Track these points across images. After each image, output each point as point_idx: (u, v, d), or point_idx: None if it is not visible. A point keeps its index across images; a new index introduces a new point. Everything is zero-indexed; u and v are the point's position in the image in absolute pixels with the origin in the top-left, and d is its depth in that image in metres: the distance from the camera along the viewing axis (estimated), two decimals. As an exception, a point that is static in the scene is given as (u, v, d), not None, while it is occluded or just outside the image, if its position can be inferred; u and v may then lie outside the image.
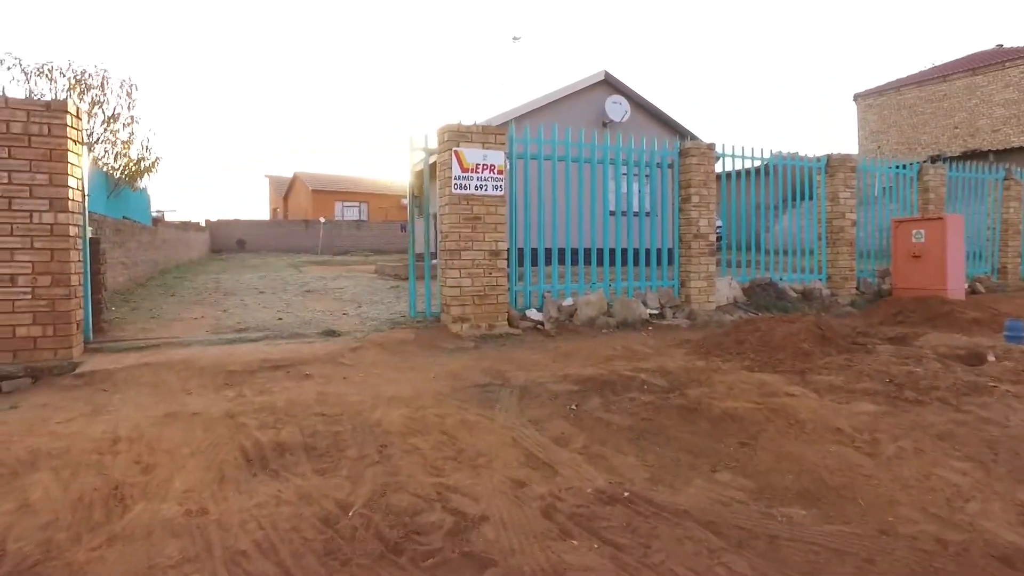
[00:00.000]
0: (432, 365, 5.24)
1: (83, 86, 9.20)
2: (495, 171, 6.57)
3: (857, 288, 9.75)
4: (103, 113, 9.50)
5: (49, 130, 5.13)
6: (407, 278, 14.70)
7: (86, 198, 5.70)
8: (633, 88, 17.40)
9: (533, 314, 7.04)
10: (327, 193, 39.85)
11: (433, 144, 6.88)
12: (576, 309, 7.15)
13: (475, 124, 6.54)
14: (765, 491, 2.96)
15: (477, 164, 6.49)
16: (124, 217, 11.28)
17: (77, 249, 5.35)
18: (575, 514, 2.72)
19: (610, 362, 5.29)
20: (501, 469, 3.18)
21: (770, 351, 5.03)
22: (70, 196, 5.20)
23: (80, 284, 5.44)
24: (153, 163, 10.15)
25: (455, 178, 6.41)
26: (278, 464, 3.25)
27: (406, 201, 29.08)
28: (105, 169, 9.95)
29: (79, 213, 5.42)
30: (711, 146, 8.21)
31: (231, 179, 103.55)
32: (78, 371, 4.90)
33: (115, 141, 9.78)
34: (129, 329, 6.46)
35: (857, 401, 4.06)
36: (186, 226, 22.59)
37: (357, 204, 40.79)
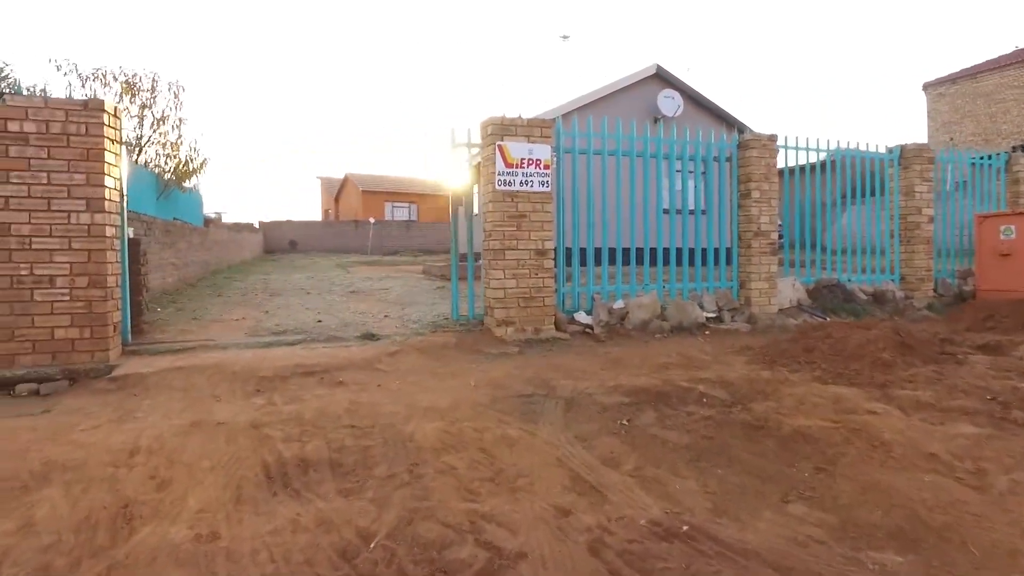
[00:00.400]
0: (473, 372, 4.93)
1: (134, 89, 9.29)
2: (541, 166, 6.23)
3: (935, 290, 9.00)
4: (152, 115, 9.59)
5: (87, 129, 5.04)
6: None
7: (124, 198, 5.61)
8: (686, 81, 16.78)
9: (582, 317, 6.66)
10: (377, 194, 40.22)
11: (476, 139, 6.59)
12: (628, 312, 6.73)
13: (519, 117, 6.21)
14: (849, 529, 2.53)
15: (522, 159, 6.16)
16: (175, 218, 11.41)
17: (114, 250, 5.26)
18: (626, 551, 2.36)
19: (665, 371, 4.87)
20: (543, 494, 2.84)
21: (844, 360, 4.53)
22: (106, 196, 5.10)
23: (117, 286, 5.35)
24: (201, 164, 10.21)
25: (499, 174, 6.10)
26: (300, 482, 2.99)
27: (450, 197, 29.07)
28: (155, 170, 10.05)
29: (116, 213, 5.33)
30: (772, 137, 7.66)
31: (285, 181, 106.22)
32: (113, 375, 4.79)
33: (164, 143, 9.86)
34: (169, 331, 6.38)
35: (953, 421, 3.55)
36: (239, 227, 23.01)
37: (407, 205, 41.05)
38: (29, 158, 4.95)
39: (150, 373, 4.76)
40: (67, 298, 5.02)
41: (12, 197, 4.92)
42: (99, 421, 3.85)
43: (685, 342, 6.22)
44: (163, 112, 9.58)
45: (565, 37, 45.68)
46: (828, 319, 7.14)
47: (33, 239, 4.96)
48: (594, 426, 3.72)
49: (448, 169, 6.67)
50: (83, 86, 9.06)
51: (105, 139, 5.11)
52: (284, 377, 4.68)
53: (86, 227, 5.05)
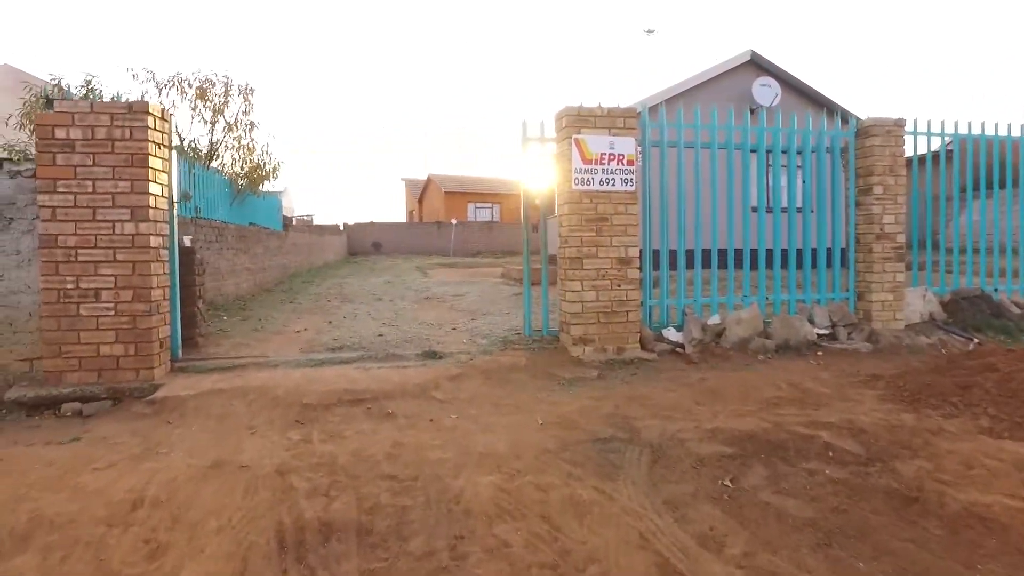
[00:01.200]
0: (541, 403, 4.24)
1: (207, 95, 9.20)
2: (624, 162, 5.45)
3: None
4: (224, 120, 9.49)
5: (131, 133, 4.72)
6: (535, 283, 13.88)
7: (174, 205, 5.29)
8: (783, 68, 15.39)
9: (671, 334, 5.83)
10: (459, 194, 40.23)
11: (550, 132, 5.88)
12: (724, 329, 5.84)
13: (599, 106, 5.46)
14: None
15: (602, 154, 5.41)
16: (251, 223, 11.37)
17: (160, 261, 4.92)
18: None
19: (774, 409, 3.99)
20: (621, 597, 2.12)
21: (1022, 404, 3.51)
22: (151, 204, 4.77)
23: (165, 299, 5.02)
24: (274, 169, 10.06)
25: (576, 171, 5.37)
26: (317, 556, 2.40)
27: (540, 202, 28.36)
28: (228, 175, 9.96)
29: (163, 222, 4.99)
30: (900, 122, 6.52)
31: (372, 183, 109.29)
32: (152, 396, 4.42)
33: (238, 147, 9.75)
34: (224, 344, 6.06)
35: None
36: (321, 230, 23.33)
37: (489, 205, 40.84)
38: (75, 166, 4.68)
39: (189, 396, 4.36)
40: (112, 313, 4.72)
41: (59, 207, 4.66)
42: (119, 456, 3.44)
43: (794, 367, 5.27)
44: (236, 116, 9.48)
45: (650, 31, 43.98)
46: (976, 340, 5.96)
47: (79, 251, 4.69)
48: (688, 487, 2.94)
49: (520, 166, 6.00)
50: (160, 93, 9.08)
51: (150, 143, 4.77)
52: (328, 405, 4.16)
53: (130, 237, 4.73)
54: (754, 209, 6.30)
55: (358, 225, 33.65)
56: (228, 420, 4.00)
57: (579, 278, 5.41)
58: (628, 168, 5.48)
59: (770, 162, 6.26)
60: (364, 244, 32.86)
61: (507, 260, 26.27)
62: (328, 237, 23.76)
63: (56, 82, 8.66)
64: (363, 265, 22.69)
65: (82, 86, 8.71)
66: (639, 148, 5.65)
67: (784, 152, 6.52)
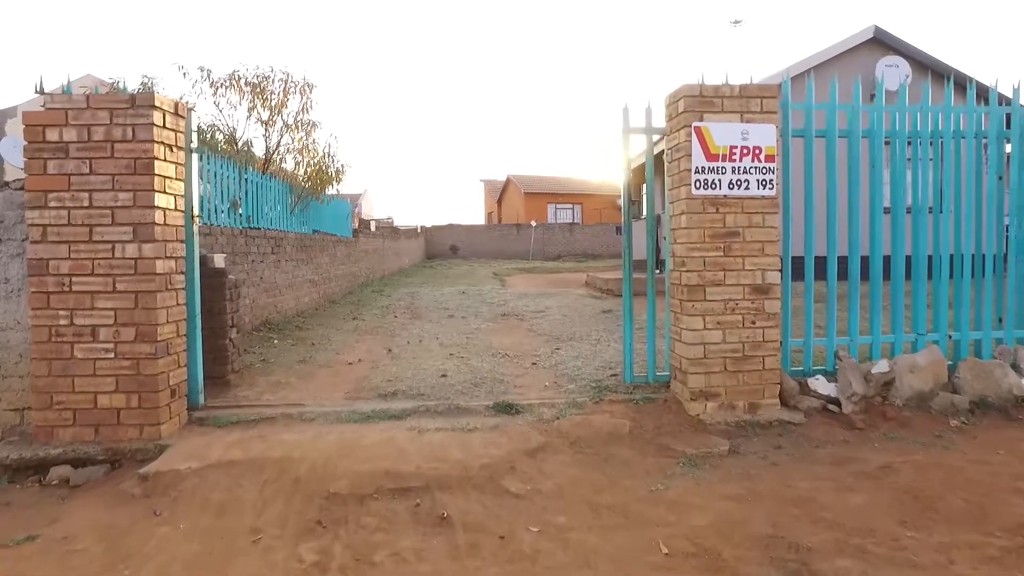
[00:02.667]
0: (658, 503, 2.96)
1: (264, 93, 8.39)
2: (762, 157, 4.08)
3: None
4: (282, 120, 8.65)
5: (133, 133, 3.77)
6: (621, 294, 12.26)
7: (196, 219, 4.34)
8: (914, 44, 13.31)
9: (819, 384, 4.39)
10: (539, 195, 39.06)
11: (658, 120, 4.56)
12: (893, 378, 4.35)
13: (726, 84, 4.10)
14: None
15: (732, 147, 4.05)
16: (315, 231, 10.58)
17: (172, 289, 3.97)
18: None
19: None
20: None
21: None
22: (158, 220, 3.81)
23: (180, 335, 4.07)
24: (338, 171, 9.17)
25: (696, 170, 4.04)
26: None
27: (621, 201, 26.64)
28: (288, 180, 9.15)
29: (175, 241, 4.04)
30: None
31: (450, 185, 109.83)
32: (147, 470, 3.44)
33: (301, 148, 8.91)
34: (260, 383, 5.09)
35: None
36: (396, 234, 22.68)
37: (570, 206, 39.46)
38: (69, 175, 3.77)
39: (190, 472, 3.34)
40: (111, 355, 3.79)
41: (51, 226, 3.77)
42: (64, 583, 2.43)
43: (1015, 441, 3.74)
44: (295, 117, 8.63)
45: (737, 22, 41.21)
46: None
47: (73, 279, 3.79)
48: None
49: (618, 161, 4.70)
50: (215, 94, 8.36)
51: (157, 144, 3.82)
52: (362, 498, 3.03)
53: (132, 262, 3.78)
54: (908, 209, 4.75)
55: (436, 228, 33.10)
56: (229, 514, 2.95)
57: (700, 312, 4.07)
58: (767, 166, 4.09)
59: (930, 155, 4.67)
60: (442, 247, 32.25)
61: (590, 265, 24.90)
62: (404, 241, 23.10)
63: (113, 85, 8.07)
64: (439, 271, 21.88)
65: (138, 89, 8.09)
66: (780, 139, 4.23)
67: (963, 136, 4.92)
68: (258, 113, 8.48)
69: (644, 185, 20.54)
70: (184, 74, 8.09)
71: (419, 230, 30.55)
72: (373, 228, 26.37)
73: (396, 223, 35.95)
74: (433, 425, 3.97)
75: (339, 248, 11.83)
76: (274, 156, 8.88)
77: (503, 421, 4.04)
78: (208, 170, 6.86)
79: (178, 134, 4.08)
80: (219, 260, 4.98)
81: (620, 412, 4.14)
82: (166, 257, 3.90)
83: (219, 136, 8.50)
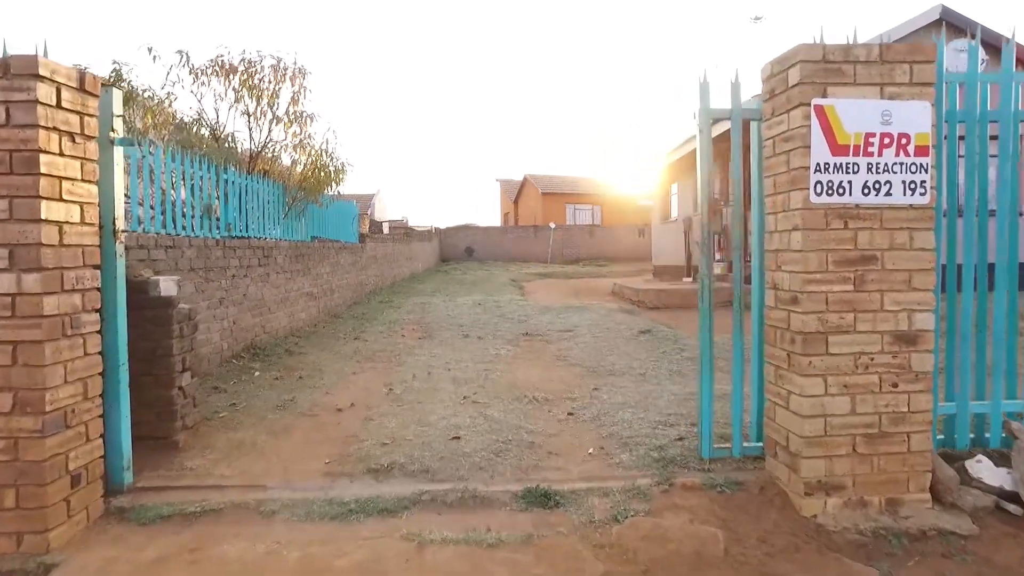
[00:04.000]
0: None
1: (252, 80, 7.23)
2: (910, 149, 2.85)
3: None
4: (271, 111, 7.48)
5: (7, 115, 2.64)
6: (656, 308, 10.91)
7: (118, 235, 3.18)
8: (984, 24, 11.93)
9: (983, 471, 3.14)
10: (558, 195, 37.75)
11: (750, 96, 3.33)
12: (1085, 459, 3.09)
13: (859, 43, 2.86)
14: None
15: (868, 135, 2.83)
16: (314, 238, 9.46)
17: (74, 336, 2.82)
18: None
19: None
20: None
21: None
22: (47, 239, 2.67)
23: (90, 398, 2.93)
24: (336, 171, 8.00)
25: (816, 168, 2.82)
26: None
27: (645, 202, 25.20)
28: (281, 180, 8.01)
29: (86, 267, 2.89)
30: None
31: (466, 184, 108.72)
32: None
33: (295, 145, 7.76)
34: (219, 443, 3.93)
35: None
36: (409, 236, 21.53)
37: (590, 207, 38.11)
38: (-74, 174, 2.65)
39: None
40: (-18, 432, 2.66)
41: (-98, 247, 2.65)
42: None
43: None
44: (288, 108, 7.45)
45: (757, 18, 39.66)
46: None
47: (-68, 322, 2.66)
48: None
49: (699, 147, 3.44)
50: (195, 82, 7.19)
51: (46, 132, 2.68)
52: None
53: (8, 300, 2.65)
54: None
55: (451, 229, 31.95)
56: None
57: (820, 371, 2.85)
58: (918, 161, 2.86)
59: None
60: (457, 249, 31.08)
61: (612, 270, 23.63)
62: (416, 244, 21.94)
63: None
64: (453, 276, 20.70)
65: (110, 76, 6.99)
66: (934, 121, 2.98)
67: None
68: (245, 104, 7.34)
69: (674, 184, 19.26)
70: (154, 57, 6.93)
71: (433, 231, 29.42)
72: (386, 230, 25.29)
73: (410, 223, 34.89)
74: (439, 530, 2.79)
75: (343, 255, 10.69)
76: (264, 153, 7.72)
77: (538, 522, 2.85)
78: (176, 169, 5.74)
79: (86, 118, 2.93)
80: (167, 285, 3.84)
81: (703, 510, 2.93)
82: (63, 291, 2.76)
83: (203, 131, 7.38)
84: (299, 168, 7.99)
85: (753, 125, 3.39)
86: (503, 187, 47.62)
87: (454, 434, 4.00)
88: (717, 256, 13.08)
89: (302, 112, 7.58)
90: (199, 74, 7.26)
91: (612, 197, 36.37)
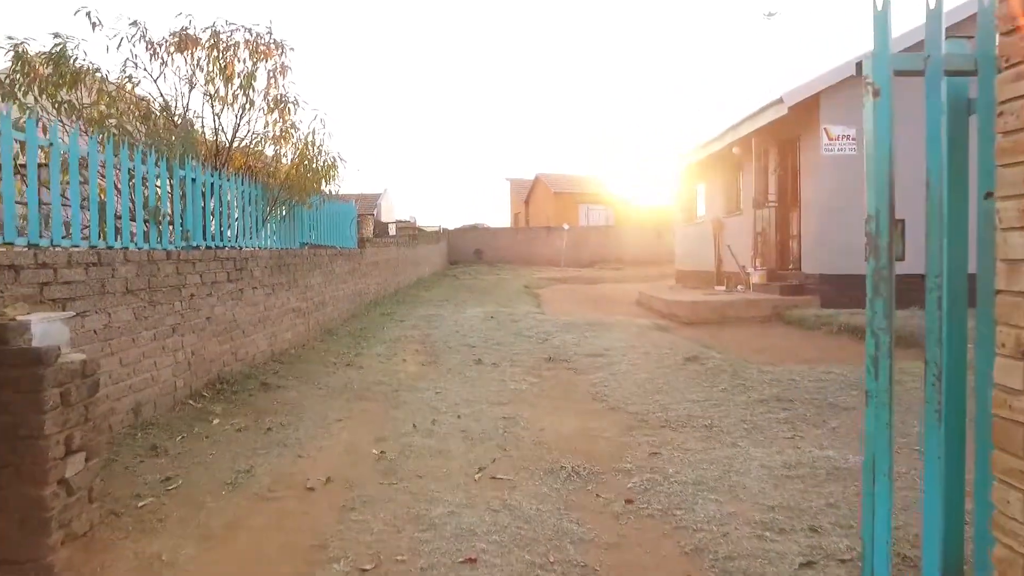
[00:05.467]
0: None
1: (223, 59, 5.95)
2: None
3: None
4: (244, 95, 6.20)
5: None
6: (692, 324, 9.21)
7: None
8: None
9: None
10: (570, 195, 36.39)
11: (910, 61, 2.04)
12: None
13: None
14: None
15: None
16: (303, 244, 8.22)
17: None
18: None
19: None
20: None
21: None
22: None
23: None
24: (327, 168, 6.74)
25: None
26: None
27: (663, 203, 23.89)
28: (257, 179, 6.76)
29: None
30: None
31: (475, 184, 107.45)
32: None
33: (276, 136, 6.52)
34: (122, 559, 2.67)
35: None
36: (415, 238, 20.28)
37: (604, 207, 36.75)
38: None
39: None
40: None
41: None
42: None
43: None
44: (264, 92, 6.16)
45: (770, 14, 38.22)
46: None
47: None
48: None
49: (877, 119, 2.14)
50: (154, 59, 5.93)
51: None
52: None
53: None
54: None
55: (459, 230, 30.73)
56: None
57: None
58: None
59: None
60: (466, 252, 29.83)
61: (629, 274, 22.33)
62: (423, 248, 20.69)
63: (14, 47, 5.80)
64: (462, 282, 19.43)
65: (52, 50, 5.79)
66: None
67: None
68: (215, 85, 6.10)
69: (700, 184, 17.91)
70: (94, 24, 5.64)
71: (441, 232, 28.20)
72: (392, 231, 24.09)
73: (419, 223, 33.71)
74: None
75: (338, 263, 9.45)
76: (237, 146, 6.48)
77: None
78: (107, 162, 4.50)
79: None
80: (44, 329, 2.60)
81: None
82: None
83: (155, 111, 6.13)
84: (284, 162, 6.75)
85: (947, 84, 2.11)
86: (513, 186, 46.30)
87: (467, 551, 2.72)
88: (757, 264, 11.76)
89: (283, 96, 6.34)
90: (157, 49, 6.01)
91: (627, 197, 35.02)
